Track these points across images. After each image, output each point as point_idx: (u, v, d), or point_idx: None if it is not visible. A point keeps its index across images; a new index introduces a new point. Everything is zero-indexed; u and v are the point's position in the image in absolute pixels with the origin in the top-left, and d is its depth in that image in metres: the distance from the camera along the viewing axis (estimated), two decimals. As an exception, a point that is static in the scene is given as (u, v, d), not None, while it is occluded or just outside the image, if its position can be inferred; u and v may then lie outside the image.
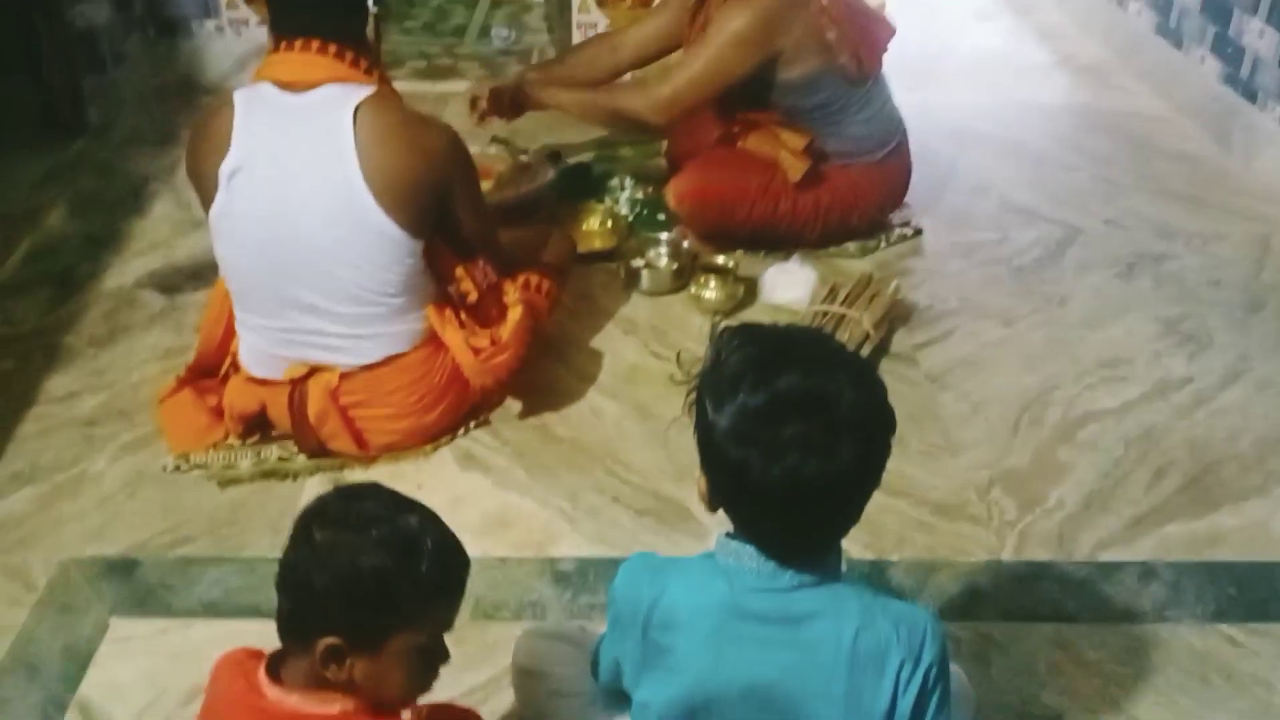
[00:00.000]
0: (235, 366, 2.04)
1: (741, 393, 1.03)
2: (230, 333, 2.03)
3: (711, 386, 1.07)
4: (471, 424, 2.09)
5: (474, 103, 2.77)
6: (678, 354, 2.22)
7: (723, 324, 1.17)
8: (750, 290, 2.52)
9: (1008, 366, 2.31)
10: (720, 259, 2.56)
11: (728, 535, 1.12)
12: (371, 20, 1.89)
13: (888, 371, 2.27)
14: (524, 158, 2.99)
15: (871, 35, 2.56)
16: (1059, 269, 2.68)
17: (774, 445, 1.01)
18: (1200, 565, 1.81)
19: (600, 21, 3.58)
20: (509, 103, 2.71)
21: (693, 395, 1.11)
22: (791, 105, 2.53)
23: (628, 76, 2.89)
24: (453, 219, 1.96)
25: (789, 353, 1.07)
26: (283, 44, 1.83)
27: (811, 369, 1.04)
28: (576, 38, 3.59)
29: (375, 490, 1.17)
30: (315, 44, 1.80)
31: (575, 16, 3.58)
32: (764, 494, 1.04)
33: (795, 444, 1.01)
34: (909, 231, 2.80)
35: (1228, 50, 3.39)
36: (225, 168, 1.81)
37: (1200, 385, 2.25)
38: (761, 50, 2.43)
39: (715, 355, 1.10)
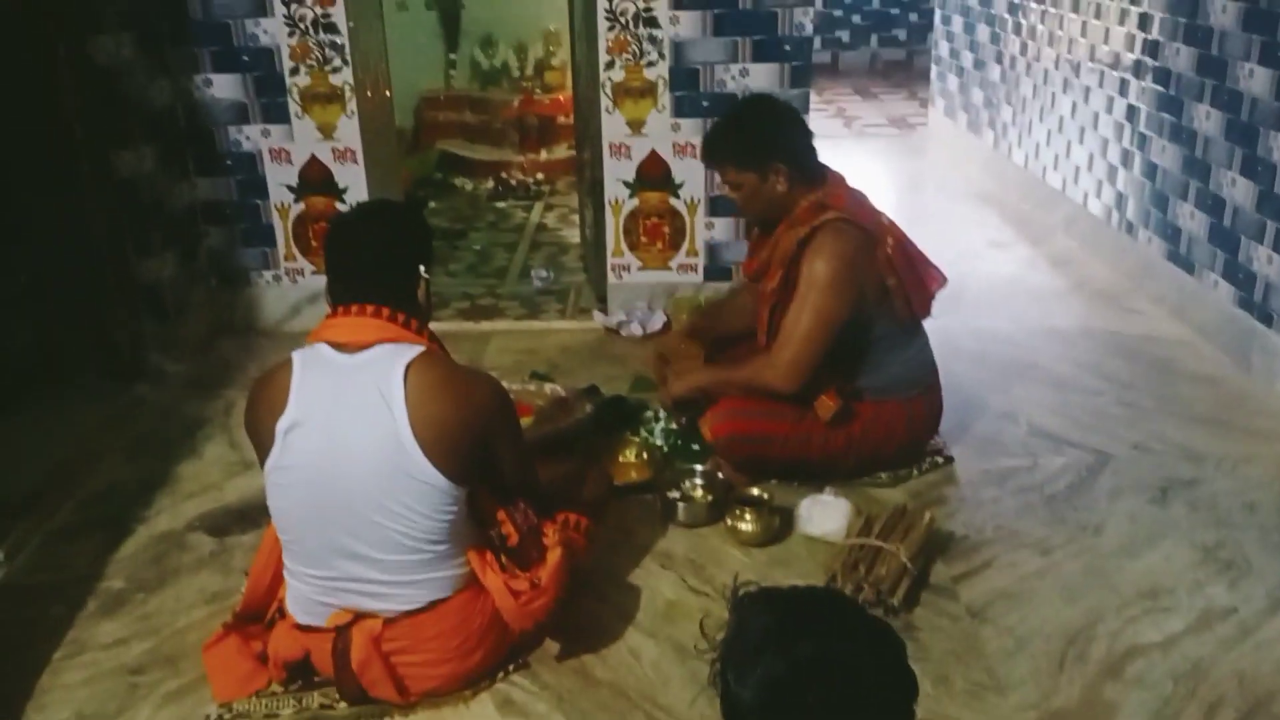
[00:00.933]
0: (281, 613, 2.07)
1: (763, 663, 1.06)
2: (278, 580, 2.08)
3: (734, 657, 1.10)
4: (511, 667, 2.10)
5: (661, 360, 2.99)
6: (700, 621, 2.21)
7: (742, 589, 1.20)
8: (785, 522, 2.56)
9: (1048, 598, 2.30)
10: (755, 491, 2.62)
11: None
12: (423, 284, 2.03)
13: (928, 605, 2.27)
14: (562, 392, 3.11)
15: (924, 283, 2.69)
16: (1091, 496, 2.70)
17: (799, 716, 1.03)
18: (1264, 812, 1.75)
19: (633, 263, 3.77)
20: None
21: (717, 665, 1.13)
22: (839, 344, 2.60)
23: None
24: (496, 465, 2.04)
25: (808, 619, 1.10)
26: (339, 309, 1.97)
27: (830, 636, 1.07)
28: (610, 278, 3.80)
29: None
30: (370, 308, 1.94)
31: (610, 259, 3.78)
32: None
33: (820, 713, 1.03)
34: (940, 459, 2.85)
35: (1239, 275, 3.51)
36: (282, 424, 1.91)
37: (1244, 615, 2.23)
38: (853, 289, 2.55)
39: (736, 624, 1.12)
